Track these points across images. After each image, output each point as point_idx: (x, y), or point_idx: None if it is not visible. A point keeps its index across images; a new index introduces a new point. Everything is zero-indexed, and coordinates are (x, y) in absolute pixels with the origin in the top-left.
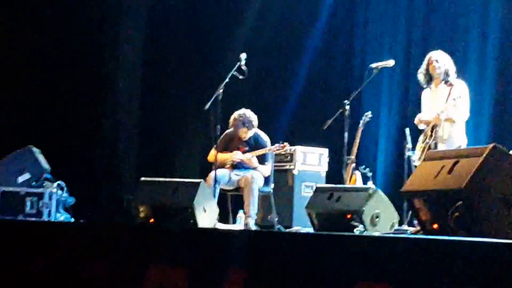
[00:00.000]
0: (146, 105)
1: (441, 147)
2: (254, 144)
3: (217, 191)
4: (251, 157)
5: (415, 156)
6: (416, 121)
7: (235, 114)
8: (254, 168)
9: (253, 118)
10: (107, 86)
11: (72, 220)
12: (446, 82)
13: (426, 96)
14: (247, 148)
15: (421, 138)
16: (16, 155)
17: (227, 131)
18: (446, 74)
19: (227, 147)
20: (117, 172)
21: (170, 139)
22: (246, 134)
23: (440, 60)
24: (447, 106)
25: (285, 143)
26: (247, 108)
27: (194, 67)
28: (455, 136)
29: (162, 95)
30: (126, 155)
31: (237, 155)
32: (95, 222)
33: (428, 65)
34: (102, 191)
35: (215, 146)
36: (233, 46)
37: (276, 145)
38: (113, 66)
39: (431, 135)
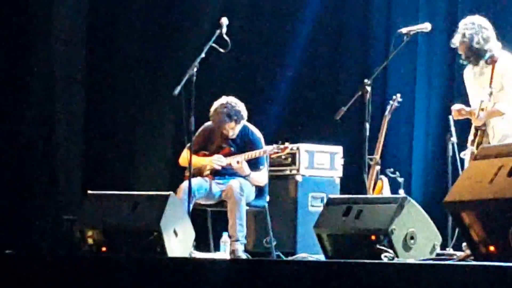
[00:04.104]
0: (92, 90)
1: None
2: (242, 143)
3: (192, 206)
4: (241, 162)
5: (467, 156)
6: (454, 113)
7: (217, 104)
8: (245, 176)
9: (241, 108)
10: (37, 69)
11: None
12: (486, 59)
13: (468, 77)
14: (233, 149)
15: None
16: None
17: (205, 125)
18: (483, 48)
19: (205, 147)
20: (53, 183)
21: (126, 137)
22: (233, 130)
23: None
24: (486, 108)
25: (286, 144)
26: (230, 93)
27: (157, 37)
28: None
29: (114, 76)
30: (65, 159)
31: (219, 161)
32: (24, 253)
33: None
34: (32, 210)
35: (188, 145)
36: (210, 8)
37: (273, 146)
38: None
39: (473, 140)
